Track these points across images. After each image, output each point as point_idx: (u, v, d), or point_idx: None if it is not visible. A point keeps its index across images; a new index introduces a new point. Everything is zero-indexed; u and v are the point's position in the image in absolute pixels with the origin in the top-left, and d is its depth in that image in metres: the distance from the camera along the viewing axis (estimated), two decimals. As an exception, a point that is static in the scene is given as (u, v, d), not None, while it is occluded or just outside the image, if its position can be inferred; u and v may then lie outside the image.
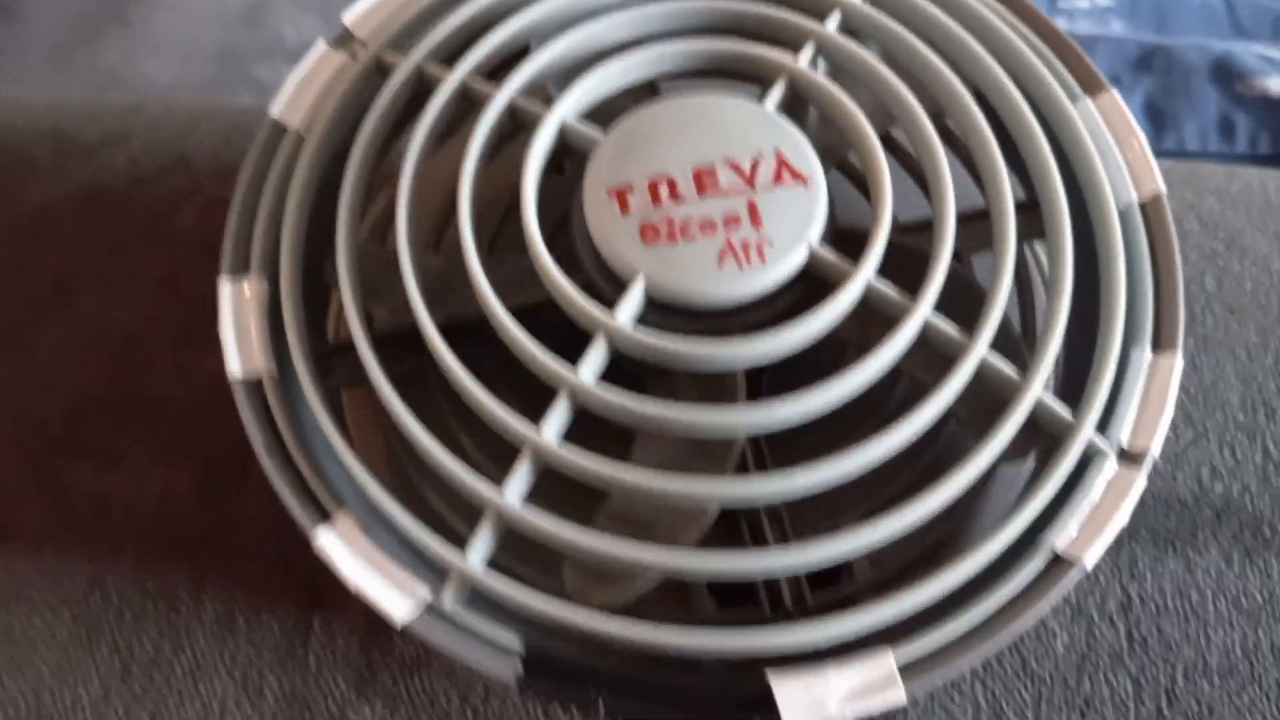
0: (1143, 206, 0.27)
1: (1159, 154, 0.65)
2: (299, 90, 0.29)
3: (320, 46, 0.29)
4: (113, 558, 0.32)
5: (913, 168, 0.32)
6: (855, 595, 0.27)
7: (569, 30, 0.27)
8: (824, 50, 0.27)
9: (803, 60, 0.26)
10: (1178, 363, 0.25)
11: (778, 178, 0.25)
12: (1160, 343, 0.26)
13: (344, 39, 0.29)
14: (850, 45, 0.27)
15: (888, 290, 0.24)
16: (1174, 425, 0.33)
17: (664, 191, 0.25)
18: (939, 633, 0.23)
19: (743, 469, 0.27)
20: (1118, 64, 0.65)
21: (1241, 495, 0.31)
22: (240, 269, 0.27)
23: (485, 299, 0.24)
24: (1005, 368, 0.24)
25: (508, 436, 0.24)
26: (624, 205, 0.25)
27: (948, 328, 0.24)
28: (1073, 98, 0.28)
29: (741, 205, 0.25)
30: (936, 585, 0.23)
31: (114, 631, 0.31)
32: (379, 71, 0.28)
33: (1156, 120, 0.62)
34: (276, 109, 0.28)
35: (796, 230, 0.24)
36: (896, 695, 0.23)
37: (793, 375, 0.25)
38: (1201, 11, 0.71)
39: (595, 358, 0.24)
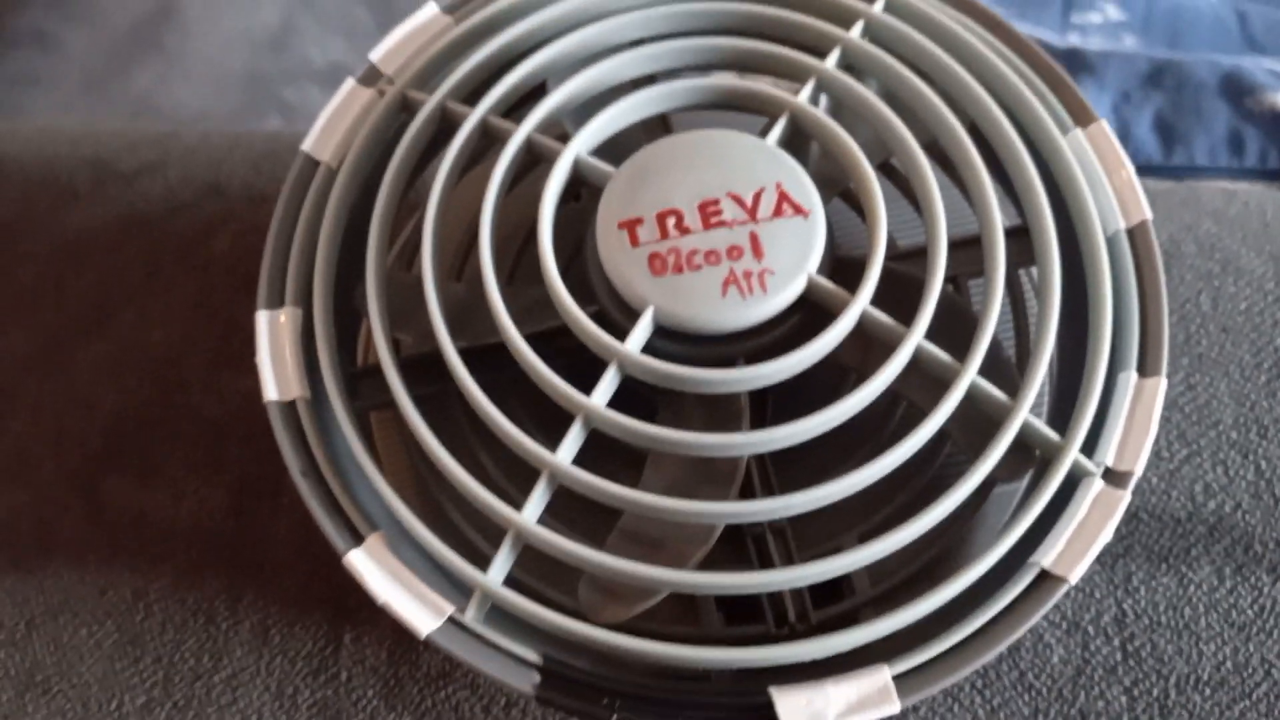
0: (1130, 233, 0.28)
1: (1169, 170, 0.64)
2: (329, 125, 0.30)
3: (349, 84, 0.31)
4: (153, 572, 0.34)
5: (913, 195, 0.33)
6: (856, 610, 0.28)
7: (583, 69, 0.29)
8: (824, 86, 0.28)
9: (803, 97, 0.28)
10: (1162, 386, 0.26)
11: (779, 210, 0.26)
12: (1146, 367, 0.27)
13: (371, 76, 0.31)
14: (848, 82, 0.28)
15: (882, 318, 0.26)
16: (1168, 443, 0.34)
17: (671, 224, 0.26)
18: (931, 648, 0.24)
19: (749, 486, 0.28)
20: (1128, 80, 0.65)
21: (1234, 512, 0.33)
22: (276, 303, 0.28)
23: (504, 328, 0.26)
24: (995, 391, 0.25)
25: (526, 459, 0.25)
26: (634, 238, 0.26)
27: (939, 354, 0.25)
28: (1063, 129, 0.29)
29: (744, 236, 0.26)
30: (929, 602, 0.25)
31: (157, 643, 0.33)
32: (404, 108, 0.30)
33: (1166, 136, 0.63)
34: (308, 144, 0.30)
35: (796, 260, 0.26)
36: (891, 707, 0.24)
37: (800, 394, 0.26)
38: (1214, 26, 0.71)
39: (608, 384, 0.25)
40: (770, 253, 0.26)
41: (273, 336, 0.28)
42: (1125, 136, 0.62)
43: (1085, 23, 0.72)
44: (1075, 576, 0.25)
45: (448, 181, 0.28)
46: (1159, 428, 0.25)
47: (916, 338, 0.25)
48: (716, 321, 0.26)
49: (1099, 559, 0.32)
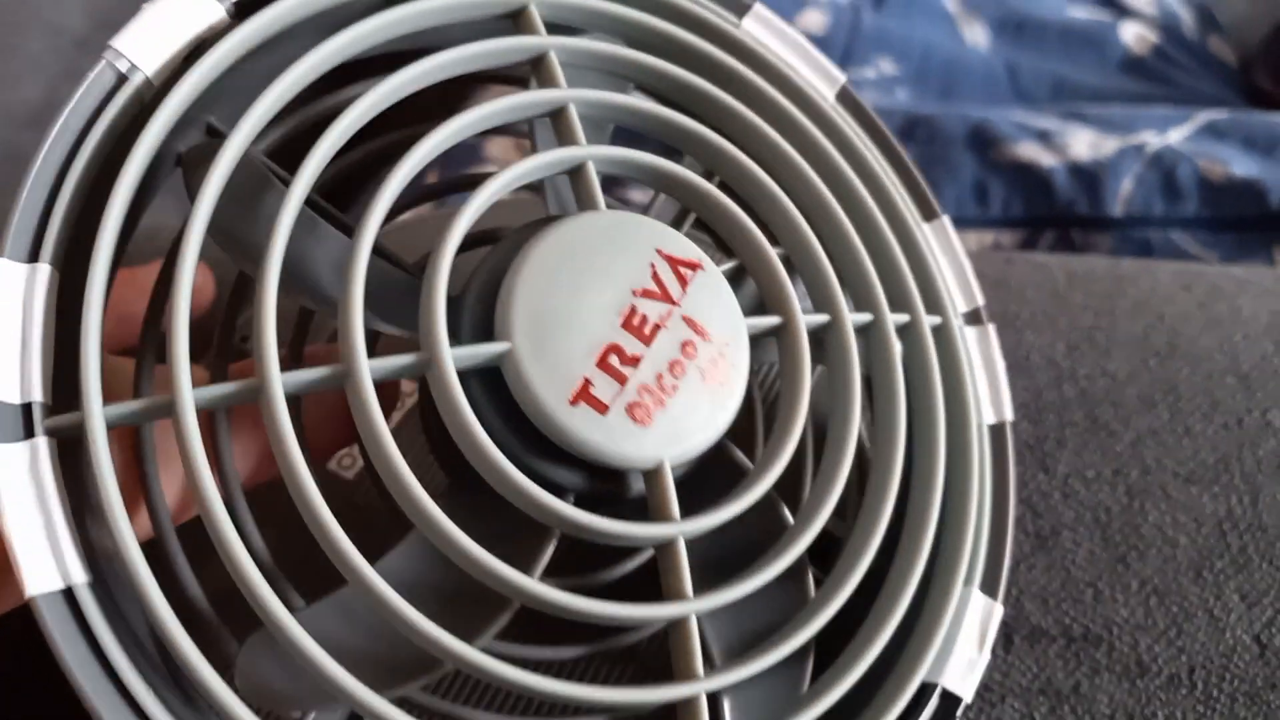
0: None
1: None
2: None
3: None
4: None
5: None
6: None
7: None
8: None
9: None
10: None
11: (680, 278, 0.23)
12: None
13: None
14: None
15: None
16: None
17: (616, 363, 0.22)
18: None
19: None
20: (885, 135, 0.63)
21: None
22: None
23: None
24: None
25: None
26: (598, 404, 0.21)
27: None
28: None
29: (681, 326, 0.23)
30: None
31: None
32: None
33: (920, 189, 0.63)
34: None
35: (731, 317, 0.24)
36: None
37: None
38: (986, 78, 0.71)
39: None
40: (710, 325, 0.23)
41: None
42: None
43: (860, 77, 0.70)
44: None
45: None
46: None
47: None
48: (731, 419, 0.23)
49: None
